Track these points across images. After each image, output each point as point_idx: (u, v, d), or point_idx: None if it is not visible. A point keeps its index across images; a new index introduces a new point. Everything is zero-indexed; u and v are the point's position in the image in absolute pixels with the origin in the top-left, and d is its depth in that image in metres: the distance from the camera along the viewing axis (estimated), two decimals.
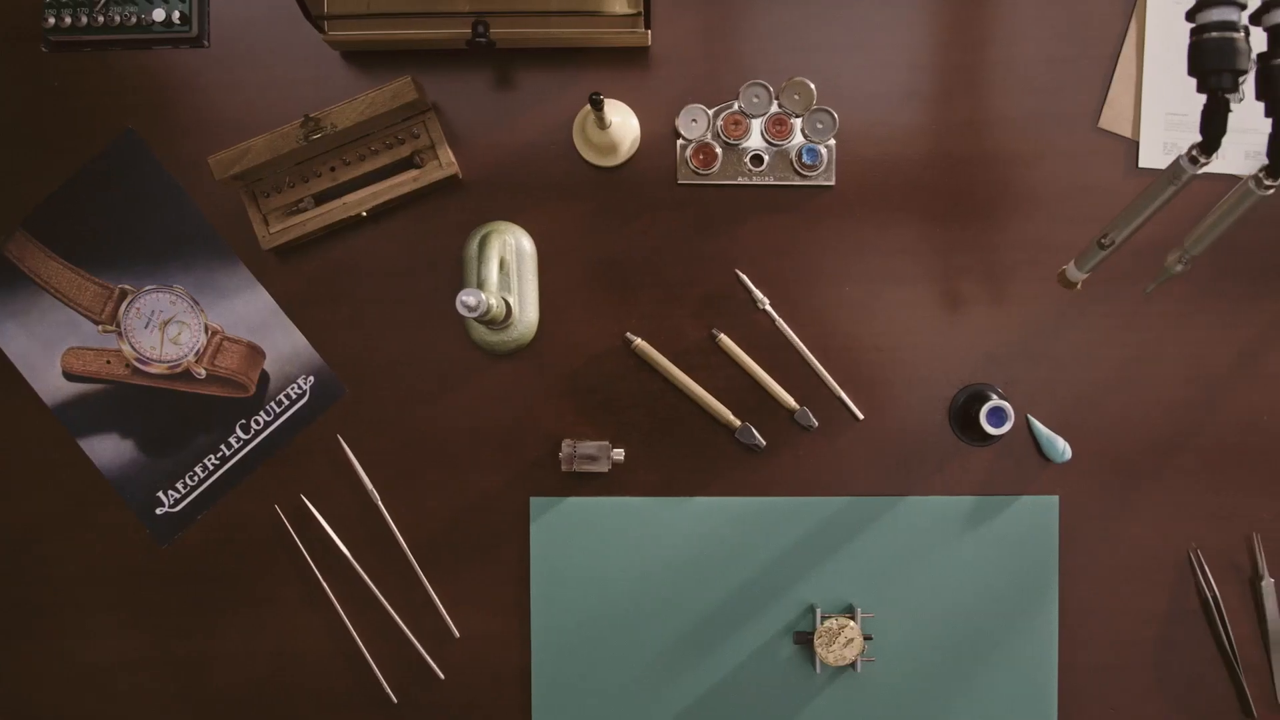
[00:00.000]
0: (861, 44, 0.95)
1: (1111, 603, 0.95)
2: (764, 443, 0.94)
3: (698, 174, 0.94)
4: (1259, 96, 0.65)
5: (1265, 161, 0.66)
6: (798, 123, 0.93)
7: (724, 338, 0.94)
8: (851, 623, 0.91)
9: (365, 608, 0.96)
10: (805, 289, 0.95)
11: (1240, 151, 0.95)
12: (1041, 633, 0.95)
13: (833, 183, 0.94)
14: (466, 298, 0.79)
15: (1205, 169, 0.69)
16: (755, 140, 0.94)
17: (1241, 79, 0.64)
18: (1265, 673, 0.95)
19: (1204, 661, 0.95)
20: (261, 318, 0.96)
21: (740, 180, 0.94)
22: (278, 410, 0.96)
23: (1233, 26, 0.64)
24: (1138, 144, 0.95)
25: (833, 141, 0.94)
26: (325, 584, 0.95)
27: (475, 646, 0.96)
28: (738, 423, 0.94)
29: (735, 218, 0.95)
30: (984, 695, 0.95)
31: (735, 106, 0.93)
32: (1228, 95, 0.65)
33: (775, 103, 0.92)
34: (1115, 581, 0.95)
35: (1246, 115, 0.90)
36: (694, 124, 0.93)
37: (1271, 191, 0.67)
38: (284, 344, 0.96)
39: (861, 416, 0.95)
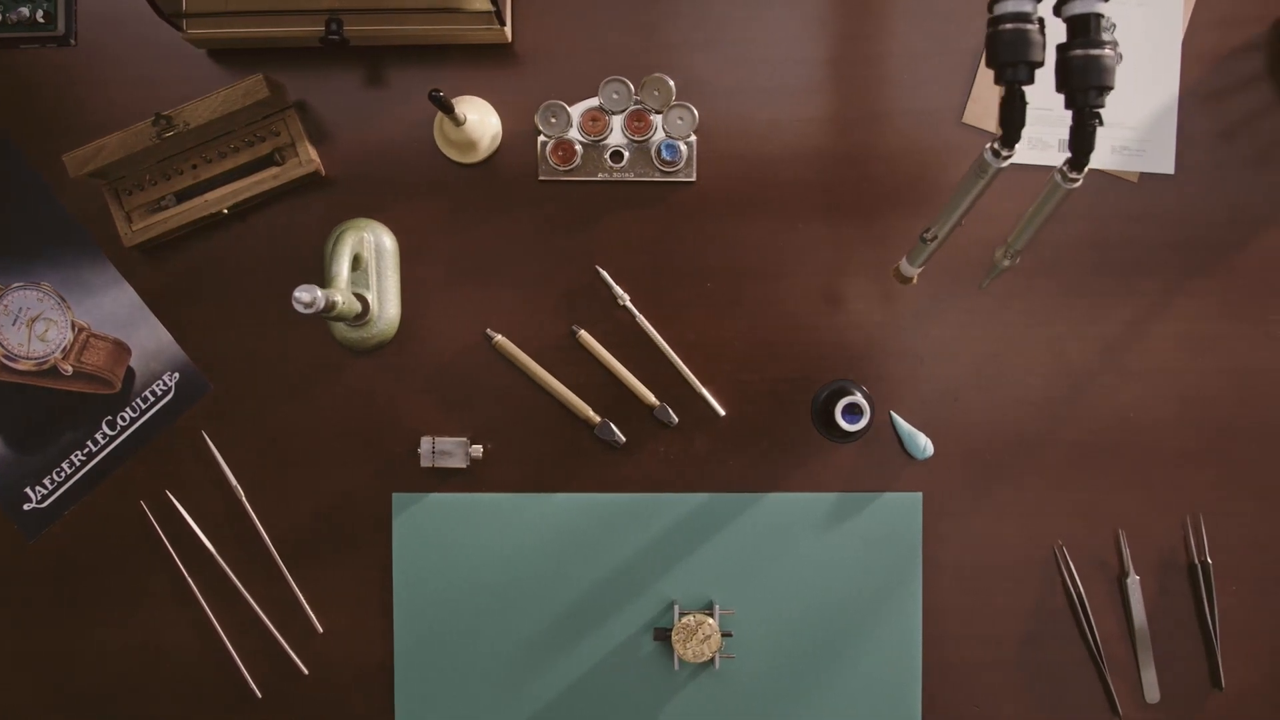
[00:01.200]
0: (722, 40, 0.95)
1: (976, 600, 0.95)
2: (623, 439, 0.94)
3: (558, 171, 0.94)
4: (1058, 88, 0.65)
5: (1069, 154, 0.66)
6: (658, 119, 0.93)
7: (584, 334, 0.94)
8: (709, 619, 0.91)
9: (230, 604, 0.96)
10: (666, 285, 0.95)
11: (1106, 146, 0.94)
12: (905, 630, 0.94)
13: (694, 179, 0.94)
14: (300, 294, 0.79)
15: (1012, 160, 0.69)
16: (616, 137, 0.94)
17: (1036, 70, 0.64)
18: (1132, 670, 0.94)
19: (1070, 659, 0.95)
20: (128, 314, 0.96)
21: (601, 176, 0.94)
22: (143, 406, 0.96)
23: (1026, 18, 0.63)
24: None
25: (693, 138, 0.94)
26: (190, 580, 0.96)
27: (339, 642, 0.96)
28: (597, 419, 0.94)
29: (596, 214, 0.95)
30: (847, 693, 0.95)
31: (595, 103, 0.93)
32: (1023, 87, 0.65)
33: (635, 99, 0.92)
34: (980, 579, 0.95)
35: (1109, 110, 0.89)
36: (553, 121, 0.93)
37: (1078, 184, 0.67)
38: (149, 341, 0.96)
39: (723, 413, 0.94)
